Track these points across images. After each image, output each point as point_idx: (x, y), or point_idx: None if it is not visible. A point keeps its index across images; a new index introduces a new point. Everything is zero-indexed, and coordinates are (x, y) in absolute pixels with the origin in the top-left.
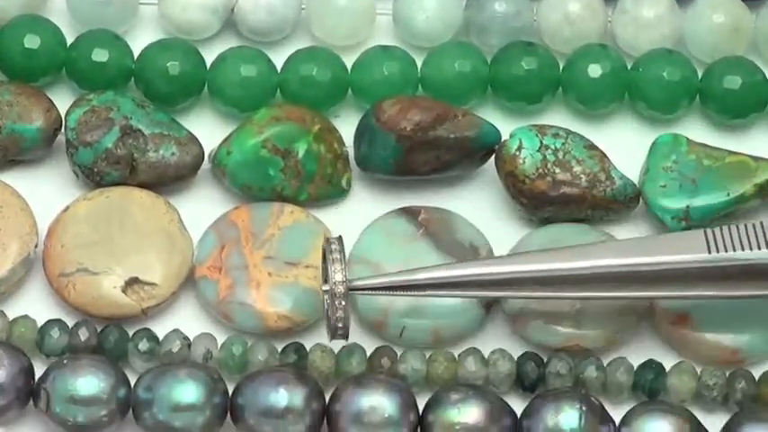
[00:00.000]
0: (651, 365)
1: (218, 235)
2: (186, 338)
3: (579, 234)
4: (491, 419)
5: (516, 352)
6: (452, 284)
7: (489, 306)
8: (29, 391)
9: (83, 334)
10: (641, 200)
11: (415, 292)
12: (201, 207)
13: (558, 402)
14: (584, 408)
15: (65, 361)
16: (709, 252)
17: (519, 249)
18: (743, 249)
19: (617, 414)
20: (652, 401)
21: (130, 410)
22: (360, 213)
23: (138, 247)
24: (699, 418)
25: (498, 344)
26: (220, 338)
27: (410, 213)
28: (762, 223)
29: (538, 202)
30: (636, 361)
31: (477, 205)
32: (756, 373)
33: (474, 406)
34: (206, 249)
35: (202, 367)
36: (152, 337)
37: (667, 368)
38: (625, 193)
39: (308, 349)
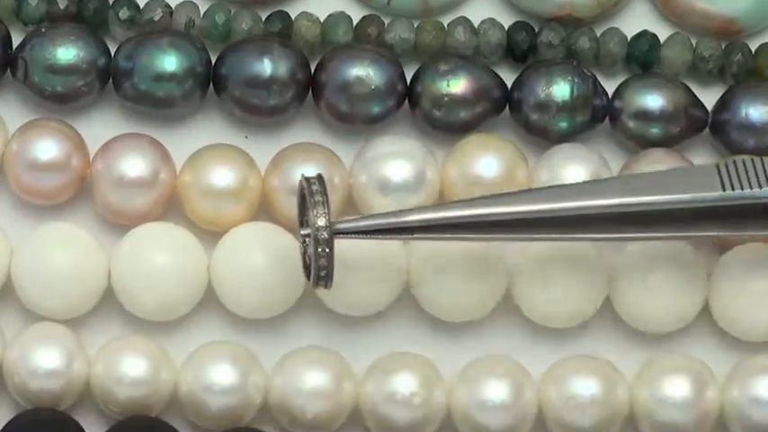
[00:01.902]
0: (645, 36)
1: None
2: (168, 6)
3: None
4: (480, 91)
5: (507, 21)
6: (444, 227)
7: None
8: (6, 61)
9: (61, 1)
10: None
11: (405, 236)
12: None
13: (550, 73)
14: (575, 79)
15: (43, 29)
16: (724, 190)
17: None
18: (759, 187)
19: (609, 86)
20: (646, 73)
21: (110, 80)
22: None
23: None
24: (693, 91)
25: (489, 13)
26: (203, 6)
27: None
28: None
29: None
30: (630, 32)
31: None
32: (753, 45)
33: (463, 77)
34: None
35: (185, 36)
36: (133, 5)
37: (662, 39)
38: None
39: (293, 17)
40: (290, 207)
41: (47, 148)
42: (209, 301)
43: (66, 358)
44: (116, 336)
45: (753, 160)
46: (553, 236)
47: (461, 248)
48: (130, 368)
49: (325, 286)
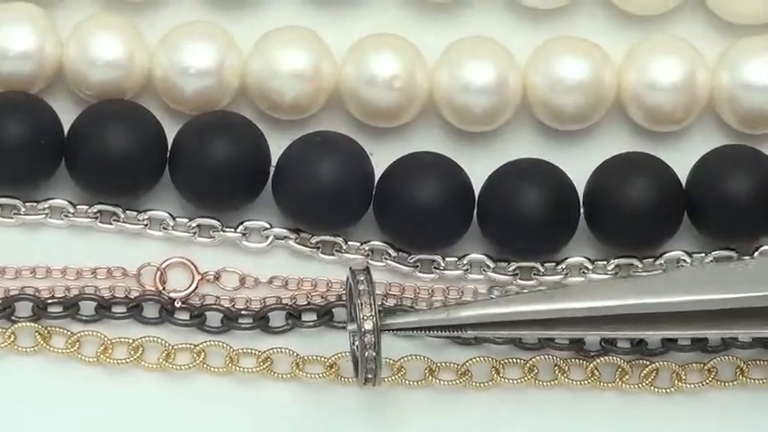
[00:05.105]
0: None
1: None
2: None
3: None
4: None
5: None
6: (499, 324)
7: None
8: None
9: None
10: None
11: (456, 333)
12: None
13: None
14: None
15: None
16: None
17: None
18: None
19: None
20: None
21: None
22: None
23: None
24: None
25: None
26: None
27: None
28: None
29: None
30: None
31: None
32: None
33: None
34: None
35: None
36: None
37: None
38: None
39: None
40: None
41: None
42: None
43: (38, 39)
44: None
45: None
46: (618, 333)
47: None
48: (104, 50)
49: (374, 385)
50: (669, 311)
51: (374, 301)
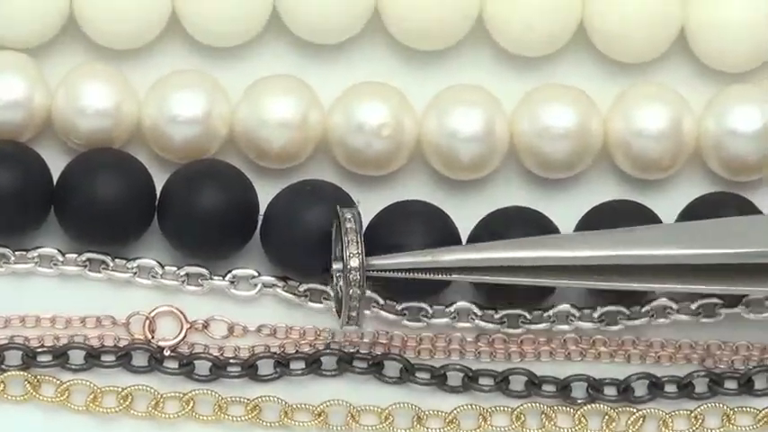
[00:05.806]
0: None
1: None
2: None
3: None
4: None
5: None
6: (483, 269)
7: None
8: None
9: None
10: None
11: (440, 276)
12: None
13: None
14: None
15: None
16: None
17: None
18: None
19: None
20: None
21: None
22: None
23: None
24: None
25: None
26: None
27: None
28: None
29: None
30: None
31: None
32: None
33: None
34: None
35: None
36: None
37: None
38: None
39: None
40: None
41: None
42: (174, 29)
43: (27, 88)
44: (78, 64)
45: None
46: (599, 283)
47: None
48: (93, 99)
49: (356, 324)
50: (659, 264)
51: (361, 239)
